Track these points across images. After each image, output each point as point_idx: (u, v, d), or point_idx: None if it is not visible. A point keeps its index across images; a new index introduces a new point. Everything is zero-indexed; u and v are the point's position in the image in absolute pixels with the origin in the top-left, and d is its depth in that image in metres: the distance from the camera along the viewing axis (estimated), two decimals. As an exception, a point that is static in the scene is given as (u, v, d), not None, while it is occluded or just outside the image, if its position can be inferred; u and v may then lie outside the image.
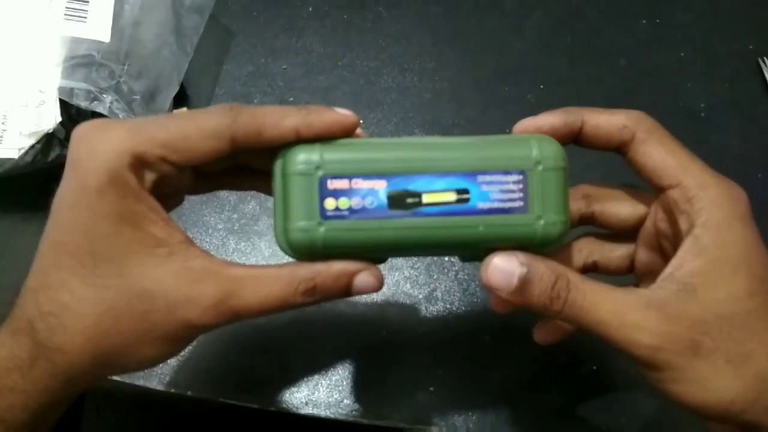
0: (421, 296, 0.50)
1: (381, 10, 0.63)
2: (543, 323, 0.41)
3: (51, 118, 0.49)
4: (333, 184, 0.32)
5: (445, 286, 0.51)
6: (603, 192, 0.39)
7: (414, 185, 0.33)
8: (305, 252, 0.33)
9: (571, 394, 0.47)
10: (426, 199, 0.33)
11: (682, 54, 0.62)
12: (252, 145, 0.33)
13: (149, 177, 0.32)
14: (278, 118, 0.33)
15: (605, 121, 0.35)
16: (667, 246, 0.36)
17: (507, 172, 0.33)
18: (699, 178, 0.34)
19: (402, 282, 0.51)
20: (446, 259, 0.51)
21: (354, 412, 0.47)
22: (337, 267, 0.33)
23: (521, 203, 0.33)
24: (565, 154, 0.34)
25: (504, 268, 0.33)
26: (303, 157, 0.33)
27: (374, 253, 0.35)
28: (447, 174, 0.33)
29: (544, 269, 0.33)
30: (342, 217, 0.32)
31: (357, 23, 0.62)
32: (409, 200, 0.33)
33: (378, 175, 0.33)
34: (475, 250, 0.35)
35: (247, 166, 0.38)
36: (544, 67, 0.61)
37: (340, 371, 0.48)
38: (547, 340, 0.41)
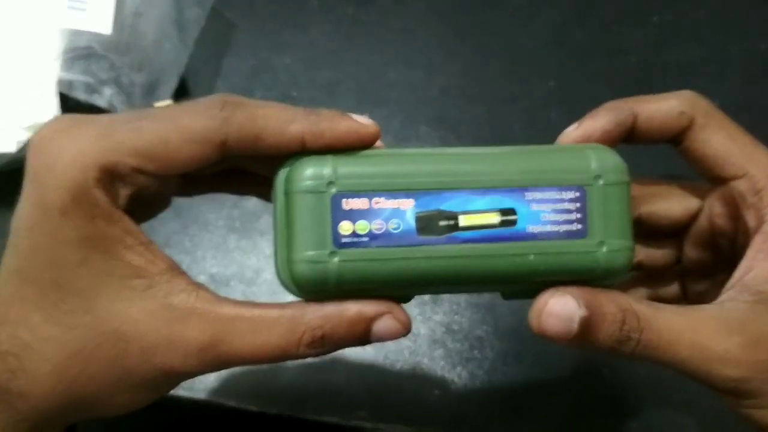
0: (426, 297, 0.50)
1: (387, 4, 0.62)
2: None
3: (50, 111, 0.49)
4: (349, 204, 0.27)
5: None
6: (648, 190, 0.35)
7: (448, 204, 0.27)
8: (313, 290, 0.28)
9: (579, 398, 0.47)
10: (463, 221, 0.27)
11: (694, 52, 0.61)
12: (247, 152, 0.28)
13: (123, 192, 0.27)
14: (282, 123, 0.27)
15: (658, 111, 0.31)
16: (724, 244, 0.33)
17: (562, 188, 0.28)
18: (767, 166, 0.31)
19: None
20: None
21: (356, 416, 0.46)
22: (353, 310, 0.28)
23: (580, 226, 0.28)
24: (628, 169, 0.29)
25: (560, 314, 0.28)
26: (312, 171, 0.27)
27: (399, 290, 0.29)
28: (489, 191, 0.28)
29: (608, 308, 0.28)
30: (361, 244, 0.27)
31: (362, 17, 0.61)
32: (443, 223, 0.27)
33: (404, 192, 0.27)
34: (523, 286, 0.29)
35: (243, 169, 0.33)
36: (554, 64, 0.60)
37: (342, 374, 0.47)
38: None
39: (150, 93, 0.53)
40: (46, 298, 0.27)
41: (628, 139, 0.32)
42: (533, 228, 0.28)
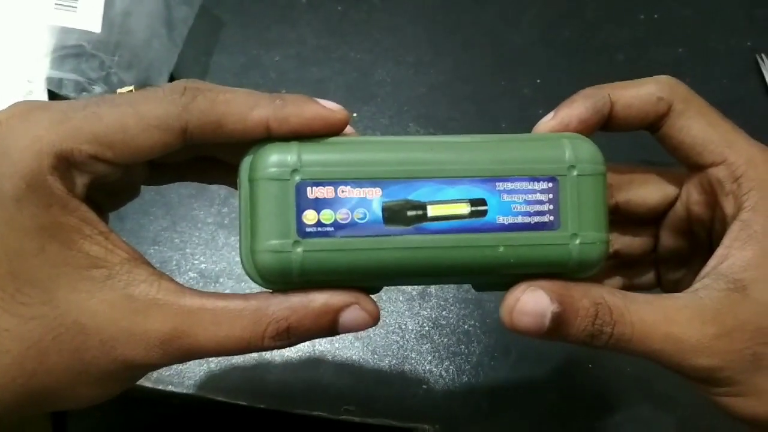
0: (414, 293, 0.50)
1: (376, 1, 0.62)
2: None
3: (38, 109, 0.49)
4: (314, 193, 0.26)
5: (437, 288, 0.50)
6: (624, 177, 0.34)
7: (417, 194, 0.26)
8: (277, 280, 0.27)
9: (566, 392, 0.47)
10: (432, 211, 0.27)
11: (680, 50, 0.61)
12: (209, 139, 0.27)
13: (80, 180, 0.26)
14: (244, 108, 0.26)
15: (636, 97, 0.30)
16: (700, 232, 0.33)
17: (534, 179, 0.27)
18: (747, 153, 0.30)
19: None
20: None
21: (346, 411, 0.46)
22: (319, 302, 0.27)
23: (551, 217, 0.27)
24: (604, 159, 0.29)
25: (532, 310, 0.27)
26: (276, 159, 0.26)
27: (366, 281, 0.28)
28: (458, 180, 0.27)
29: (581, 302, 0.28)
30: (325, 234, 0.26)
31: (351, 15, 0.61)
32: (411, 213, 0.26)
33: (371, 180, 0.26)
34: (494, 278, 0.29)
35: (213, 157, 0.32)
36: (541, 62, 0.60)
37: (331, 369, 0.47)
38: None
39: (140, 91, 0.53)
40: (3, 289, 0.26)
41: (605, 127, 0.31)
42: (504, 219, 0.27)
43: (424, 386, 0.47)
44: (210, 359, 0.46)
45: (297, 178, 0.26)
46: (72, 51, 0.51)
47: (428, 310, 0.49)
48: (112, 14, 0.52)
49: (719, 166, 0.30)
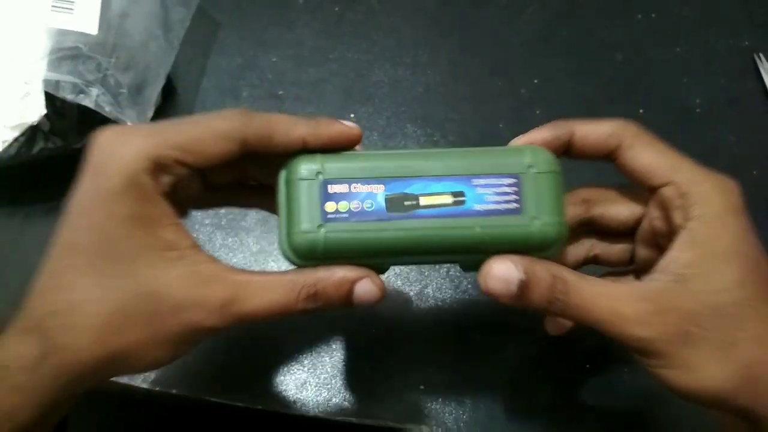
0: (412, 293, 0.50)
1: (373, 2, 0.62)
2: (551, 317, 0.42)
3: (35, 111, 0.48)
4: (333, 189, 0.34)
5: (436, 284, 0.50)
6: (600, 194, 0.39)
7: (411, 189, 0.34)
8: (307, 255, 0.34)
9: (563, 392, 0.47)
10: (423, 201, 0.34)
11: (678, 50, 0.61)
12: (261, 149, 0.35)
13: (165, 180, 0.33)
14: (289, 126, 0.35)
15: (593, 130, 0.36)
16: (664, 243, 0.37)
17: (501, 176, 0.34)
18: (690, 174, 0.35)
19: (393, 279, 0.50)
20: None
21: (343, 411, 0.46)
22: (339, 274, 0.34)
23: (516, 205, 0.34)
24: (558, 161, 0.35)
25: (502, 275, 0.34)
26: (305, 165, 0.34)
27: (374, 256, 0.35)
28: (443, 178, 0.34)
29: (541, 273, 0.34)
30: (342, 219, 0.34)
31: (349, 16, 0.62)
32: (407, 203, 0.34)
33: (376, 179, 0.34)
34: (475, 257, 0.35)
35: (253, 178, 0.39)
36: (539, 62, 0.60)
37: (328, 369, 0.47)
38: (558, 331, 0.43)
39: (137, 93, 0.53)
40: (95, 266, 0.32)
41: (569, 153, 0.37)
42: (479, 206, 0.34)
43: (422, 386, 0.47)
44: (213, 361, 0.47)
45: (321, 177, 0.34)
46: (69, 53, 0.51)
47: (425, 310, 0.49)
48: (108, 16, 0.52)
49: (668, 186, 0.35)
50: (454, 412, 0.46)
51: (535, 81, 0.59)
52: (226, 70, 0.59)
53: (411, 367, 0.48)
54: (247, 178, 0.39)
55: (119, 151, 0.33)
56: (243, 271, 0.34)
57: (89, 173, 0.33)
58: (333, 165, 0.34)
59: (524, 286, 0.33)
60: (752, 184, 0.55)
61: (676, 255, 0.34)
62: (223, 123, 0.34)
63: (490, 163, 0.35)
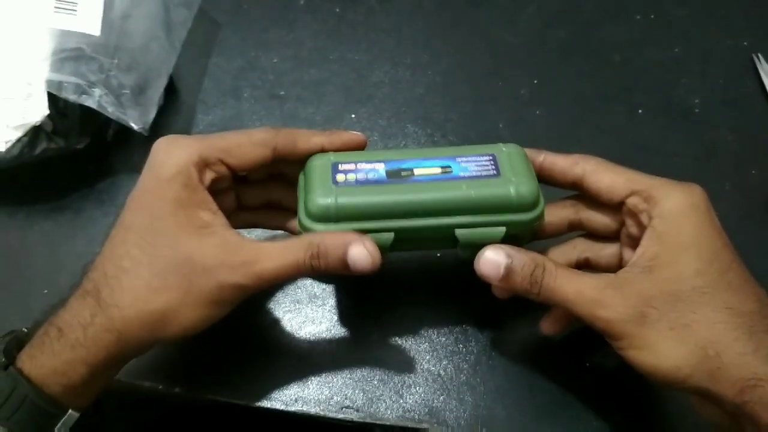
0: (412, 291, 0.50)
1: (373, 3, 0.62)
2: (547, 316, 0.45)
3: (38, 111, 0.49)
4: (342, 167, 0.41)
5: (436, 286, 0.50)
6: (588, 202, 0.44)
7: (407, 165, 0.42)
8: (322, 218, 0.40)
9: (563, 391, 0.47)
10: (417, 171, 0.41)
11: (677, 50, 0.62)
12: (288, 155, 0.42)
13: (208, 176, 0.40)
14: (309, 136, 0.43)
15: (559, 159, 0.43)
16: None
17: (480, 156, 0.42)
18: (650, 181, 0.40)
19: (393, 281, 0.50)
20: (438, 255, 0.51)
21: (344, 410, 0.46)
22: (338, 236, 0.39)
23: (494, 171, 0.41)
24: (522, 149, 0.43)
25: (493, 260, 0.40)
26: (319, 156, 0.43)
27: (379, 218, 0.40)
28: (433, 159, 0.42)
29: (525, 260, 0.39)
30: (349, 184, 0.41)
31: (349, 16, 0.62)
32: (404, 173, 0.41)
33: (378, 160, 0.42)
34: (470, 221, 0.40)
35: (281, 174, 0.46)
36: (538, 62, 0.60)
37: (330, 368, 0.47)
38: (552, 331, 0.45)
39: (139, 93, 0.53)
40: (143, 239, 0.38)
41: (540, 177, 0.43)
42: (463, 174, 0.41)
43: (423, 386, 0.47)
44: (215, 360, 0.47)
45: (332, 160, 0.42)
46: (71, 54, 0.51)
47: (426, 309, 0.50)
48: (111, 17, 0.53)
49: (632, 196, 0.40)
50: (455, 410, 0.46)
51: (535, 81, 0.59)
52: (227, 71, 0.59)
53: (412, 366, 0.48)
54: (276, 172, 0.46)
55: (173, 150, 0.40)
56: (265, 240, 0.40)
57: (149, 169, 0.40)
58: (341, 156, 0.42)
59: (510, 270, 0.39)
60: (751, 184, 0.55)
61: (643, 250, 0.39)
62: (258, 133, 0.42)
63: (470, 149, 0.43)
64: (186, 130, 0.57)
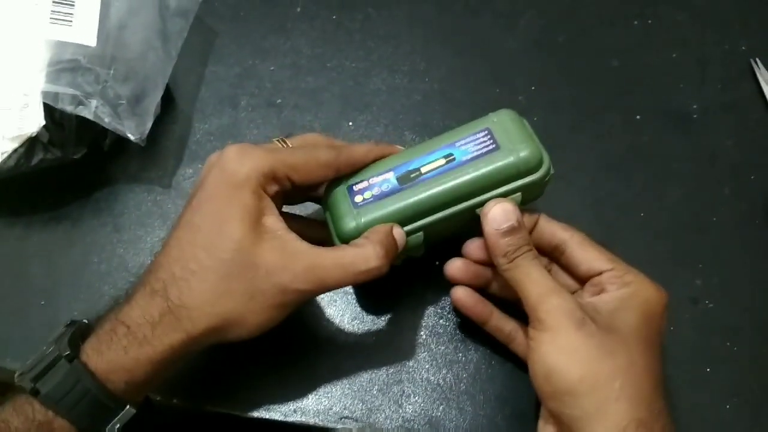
0: (411, 303, 0.50)
1: (370, 10, 0.62)
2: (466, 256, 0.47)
3: (35, 122, 0.49)
4: (357, 187, 0.45)
5: (434, 296, 0.50)
6: (578, 241, 0.46)
7: (414, 164, 0.44)
8: (352, 236, 0.43)
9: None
10: (424, 169, 0.44)
11: (675, 55, 0.61)
12: (344, 173, 0.46)
13: (273, 188, 0.42)
14: (364, 153, 0.45)
15: (554, 225, 0.46)
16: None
17: (475, 133, 0.44)
18: (627, 268, 0.43)
19: (392, 290, 0.50)
20: (437, 263, 0.51)
21: (343, 420, 0.46)
22: (382, 226, 0.43)
23: (493, 145, 0.43)
24: (517, 114, 0.45)
25: (508, 209, 0.43)
26: (334, 184, 0.46)
27: (403, 222, 0.43)
28: (435, 151, 0.44)
29: (527, 232, 0.43)
30: (368, 203, 0.44)
31: (346, 24, 0.62)
32: (413, 175, 0.44)
33: (386, 170, 0.45)
34: (484, 199, 0.43)
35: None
36: (536, 68, 0.60)
37: (328, 378, 0.47)
38: (456, 277, 0.47)
39: (136, 104, 0.53)
40: (211, 242, 0.40)
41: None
42: (466, 157, 0.44)
43: (422, 395, 0.47)
44: (213, 372, 0.47)
45: (345, 183, 0.45)
46: (68, 65, 0.51)
47: (425, 319, 0.49)
48: (107, 28, 0.52)
49: (609, 271, 0.44)
50: (455, 419, 0.46)
51: (533, 88, 0.59)
52: (224, 80, 0.59)
53: (412, 375, 0.48)
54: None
55: (245, 159, 0.41)
56: (322, 247, 0.42)
57: (219, 170, 0.42)
58: (353, 177, 0.45)
59: (513, 228, 0.43)
60: (750, 188, 0.55)
61: (601, 305, 0.42)
62: (324, 154, 0.44)
63: (465, 130, 0.45)
64: (183, 139, 0.57)
